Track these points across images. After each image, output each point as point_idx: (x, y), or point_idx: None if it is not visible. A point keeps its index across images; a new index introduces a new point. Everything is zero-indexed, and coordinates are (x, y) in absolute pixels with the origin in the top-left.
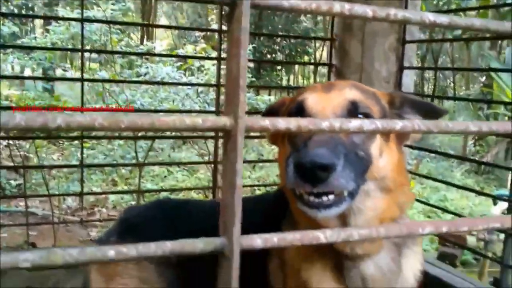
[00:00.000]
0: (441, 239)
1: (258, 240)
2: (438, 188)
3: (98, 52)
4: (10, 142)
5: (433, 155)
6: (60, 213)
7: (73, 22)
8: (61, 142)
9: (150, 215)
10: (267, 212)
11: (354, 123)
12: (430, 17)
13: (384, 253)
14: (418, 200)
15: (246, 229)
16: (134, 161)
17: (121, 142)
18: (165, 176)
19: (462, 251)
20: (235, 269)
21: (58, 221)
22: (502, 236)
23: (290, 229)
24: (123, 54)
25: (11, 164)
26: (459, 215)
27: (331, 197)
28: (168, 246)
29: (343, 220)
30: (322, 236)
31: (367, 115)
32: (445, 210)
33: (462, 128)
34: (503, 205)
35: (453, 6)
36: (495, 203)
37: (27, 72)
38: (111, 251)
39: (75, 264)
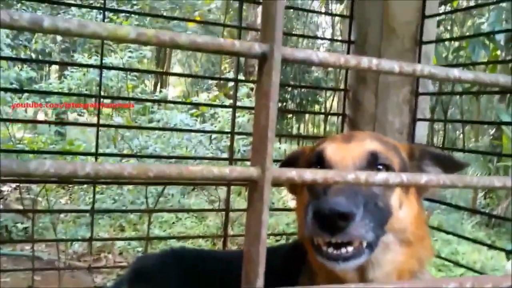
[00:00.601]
0: None
1: None
2: (449, 241)
3: (115, 98)
4: (19, 185)
5: (443, 206)
6: (66, 258)
7: (90, 68)
8: (71, 186)
9: (163, 264)
10: (284, 263)
11: (380, 176)
12: (456, 73)
13: None
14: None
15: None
16: (143, 207)
17: (131, 187)
18: (173, 223)
19: None
20: None
21: (64, 267)
22: None
23: (307, 281)
24: (138, 100)
25: (20, 207)
26: (471, 269)
27: (350, 249)
28: None
29: (362, 273)
30: None
31: (387, 167)
32: (457, 264)
33: (486, 183)
34: None
35: (462, 59)
36: (508, 258)
37: (40, 116)
38: None
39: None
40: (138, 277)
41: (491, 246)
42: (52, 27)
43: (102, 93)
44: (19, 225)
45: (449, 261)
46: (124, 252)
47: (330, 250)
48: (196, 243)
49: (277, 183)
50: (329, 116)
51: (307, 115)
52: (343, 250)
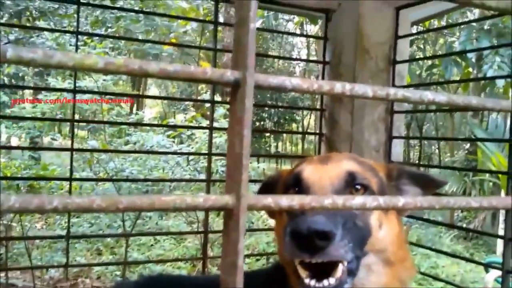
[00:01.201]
0: None
1: None
2: (428, 255)
3: (89, 122)
4: None
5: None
6: (42, 284)
7: (64, 92)
8: None
9: None
10: (265, 287)
11: (358, 200)
12: (429, 96)
13: None
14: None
15: None
16: (120, 230)
17: None
18: (151, 245)
19: None
20: None
21: None
22: None
23: None
24: (113, 124)
25: None
26: (451, 283)
27: (332, 281)
28: None
29: None
30: None
31: (365, 187)
32: (436, 278)
33: (463, 204)
34: (496, 272)
35: (435, 77)
36: (487, 271)
37: (14, 141)
38: None
39: None
40: None
41: (468, 260)
42: (16, 58)
43: (77, 117)
44: None
45: (429, 276)
46: (102, 277)
47: (312, 283)
48: (175, 266)
49: (252, 209)
50: (307, 134)
51: (285, 134)
52: (325, 282)
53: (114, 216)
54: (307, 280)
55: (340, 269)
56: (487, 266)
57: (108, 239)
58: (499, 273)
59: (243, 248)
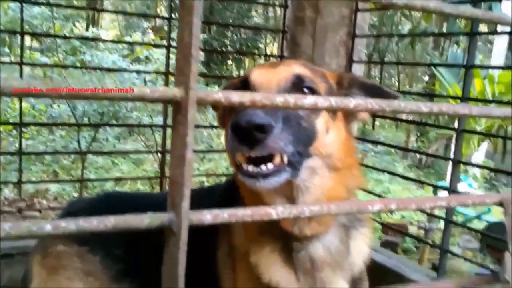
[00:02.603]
0: (384, 228)
1: (207, 216)
2: (381, 181)
3: (40, 35)
4: None
5: (377, 149)
6: None
7: (12, 5)
8: None
9: (96, 208)
10: (220, 200)
11: (309, 100)
12: None
13: (332, 235)
14: (361, 189)
15: None
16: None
17: (63, 133)
18: (109, 168)
19: (403, 239)
20: (183, 246)
21: None
22: (440, 224)
23: None
24: (66, 38)
25: None
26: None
27: (270, 165)
28: (111, 221)
29: (290, 198)
30: (274, 212)
31: (312, 90)
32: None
33: (414, 108)
34: (444, 194)
35: None
36: (435, 194)
37: None
38: (48, 226)
39: (8, 238)
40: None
41: (421, 182)
42: None
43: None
44: None
45: (380, 196)
46: (59, 198)
47: (250, 168)
48: (134, 187)
49: (202, 104)
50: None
51: (247, 61)
52: (263, 167)
53: (69, 138)
54: (245, 166)
55: (279, 156)
56: (436, 187)
57: (64, 161)
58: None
59: (192, 142)
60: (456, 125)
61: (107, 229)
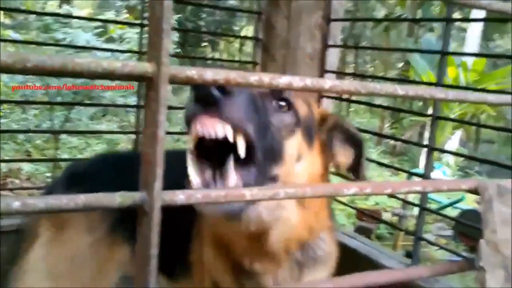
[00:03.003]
0: (358, 214)
1: (180, 196)
2: None
3: (11, 11)
4: None
5: None
6: None
7: None
8: None
9: (96, 168)
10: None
11: (284, 79)
12: None
13: (284, 270)
14: (337, 174)
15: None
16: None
17: (36, 112)
18: (83, 148)
19: (377, 226)
20: (155, 226)
21: None
22: (414, 211)
23: None
24: (39, 14)
25: None
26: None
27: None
28: (81, 199)
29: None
30: (248, 193)
31: (289, 105)
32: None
33: (390, 91)
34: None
35: None
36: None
37: None
38: (16, 203)
39: None
40: (72, 181)
41: (396, 168)
42: None
43: None
44: None
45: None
46: (32, 178)
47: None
48: None
49: (174, 82)
50: (244, 47)
51: (222, 44)
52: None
53: (42, 118)
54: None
55: (233, 173)
56: (410, 174)
57: (37, 141)
58: None
59: (164, 120)
60: (430, 112)
61: (78, 207)
